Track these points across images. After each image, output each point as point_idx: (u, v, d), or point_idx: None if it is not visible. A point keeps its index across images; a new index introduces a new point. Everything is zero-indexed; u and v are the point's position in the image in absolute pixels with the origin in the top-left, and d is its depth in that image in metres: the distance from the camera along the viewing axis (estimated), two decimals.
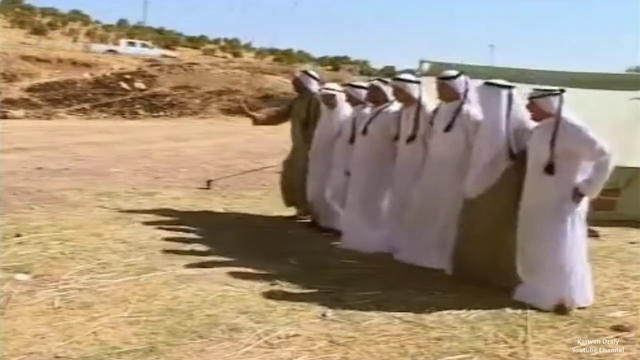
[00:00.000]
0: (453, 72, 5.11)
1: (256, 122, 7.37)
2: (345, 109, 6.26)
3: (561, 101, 4.24)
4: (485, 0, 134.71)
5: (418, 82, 5.58)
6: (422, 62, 7.75)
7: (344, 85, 6.57)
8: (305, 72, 7.14)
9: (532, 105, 4.33)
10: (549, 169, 4.18)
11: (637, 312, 4.19)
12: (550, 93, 4.28)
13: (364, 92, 6.07)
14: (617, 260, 5.57)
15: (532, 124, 4.44)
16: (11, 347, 3.35)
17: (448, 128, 4.97)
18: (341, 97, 6.29)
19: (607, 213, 6.66)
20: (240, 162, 11.79)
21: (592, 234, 5.96)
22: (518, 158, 4.47)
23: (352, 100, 6.15)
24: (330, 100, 6.31)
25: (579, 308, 4.19)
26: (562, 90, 4.30)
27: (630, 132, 7.10)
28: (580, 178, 4.18)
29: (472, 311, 4.07)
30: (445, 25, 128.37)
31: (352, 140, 5.94)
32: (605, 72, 8.76)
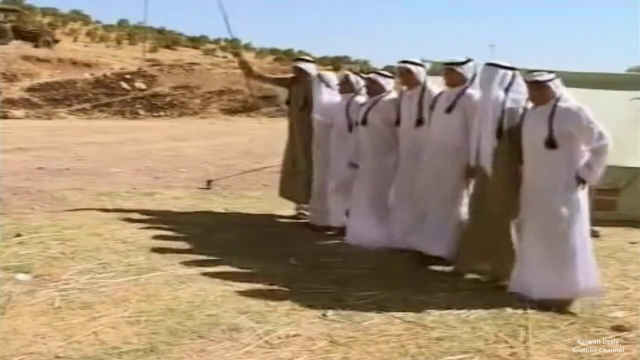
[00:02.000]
0: (462, 58, 5.12)
1: (251, 76, 7.33)
2: (331, 97, 6.27)
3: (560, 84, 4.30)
4: (485, 0, 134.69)
5: (424, 66, 5.61)
6: (422, 61, 7.75)
7: (351, 71, 6.61)
8: (302, 59, 7.14)
9: (545, 88, 4.28)
10: (550, 143, 4.18)
11: (638, 312, 4.19)
12: (555, 76, 4.31)
13: (362, 83, 6.10)
14: (618, 260, 5.57)
15: (526, 105, 4.45)
16: (12, 347, 3.35)
17: (449, 109, 4.98)
18: (320, 86, 6.33)
19: (607, 213, 6.66)
20: (240, 162, 11.79)
21: (593, 234, 5.97)
22: (505, 137, 4.47)
23: (347, 87, 6.16)
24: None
25: (582, 308, 4.20)
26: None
27: (630, 132, 7.10)
28: (579, 159, 4.18)
29: (473, 311, 4.07)
30: (445, 25, 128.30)
31: (350, 129, 5.94)
32: (605, 72, 8.76)
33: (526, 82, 4.42)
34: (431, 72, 6.47)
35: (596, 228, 6.12)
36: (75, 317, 3.78)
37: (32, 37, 35.09)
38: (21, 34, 34.79)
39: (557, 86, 4.29)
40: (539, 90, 4.33)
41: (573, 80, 6.81)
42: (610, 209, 6.85)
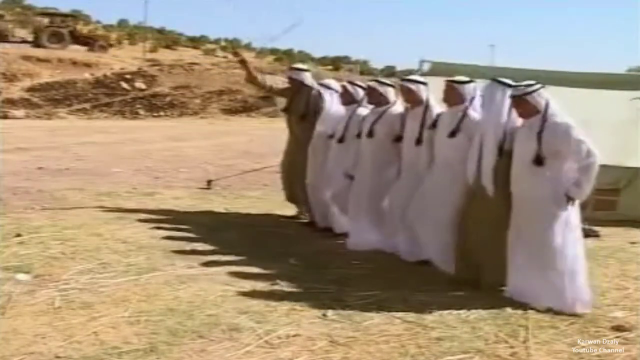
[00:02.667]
0: (464, 78, 5.10)
1: (252, 79, 7.27)
2: (338, 107, 6.27)
3: (546, 95, 4.25)
4: (485, 0, 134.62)
5: (426, 84, 5.55)
6: (422, 62, 7.76)
7: (347, 82, 6.59)
8: (297, 68, 7.12)
9: (524, 102, 4.28)
10: (538, 160, 4.17)
11: (638, 312, 4.19)
12: (538, 87, 4.27)
13: (361, 92, 6.08)
14: (618, 260, 5.56)
15: (519, 122, 4.44)
16: (12, 346, 3.35)
17: (453, 134, 4.94)
18: (332, 95, 6.34)
19: (607, 213, 6.67)
20: (240, 162, 11.80)
21: (593, 234, 5.97)
22: (505, 156, 4.47)
23: (347, 98, 6.15)
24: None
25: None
26: (543, 85, 4.31)
27: (630, 132, 7.11)
28: (567, 175, 4.17)
29: (473, 311, 4.07)
30: (445, 25, 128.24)
31: (341, 140, 5.94)
32: (605, 72, 8.76)
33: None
34: (431, 73, 6.48)
35: (596, 228, 6.13)
36: (76, 317, 3.78)
37: (87, 41, 36.30)
38: (77, 39, 36.02)
39: (537, 101, 4.24)
40: (519, 103, 4.32)
41: (573, 80, 6.86)
42: (610, 209, 6.85)
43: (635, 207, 6.97)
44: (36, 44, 34.37)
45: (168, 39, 54.50)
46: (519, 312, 4.09)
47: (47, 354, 3.29)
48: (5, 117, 22.37)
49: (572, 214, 4.23)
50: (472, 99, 4.97)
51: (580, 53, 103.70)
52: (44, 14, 38.08)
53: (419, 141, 5.28)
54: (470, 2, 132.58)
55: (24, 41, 35.09)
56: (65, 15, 37.79)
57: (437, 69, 6.59)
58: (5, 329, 3.56)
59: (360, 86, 6.22)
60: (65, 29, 35.84)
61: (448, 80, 5.13)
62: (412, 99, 5.47)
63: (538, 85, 4.29)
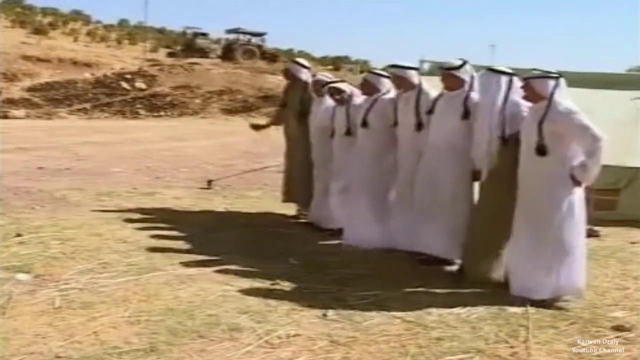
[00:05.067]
0: (458, 62, 5.11)
1: (273, 124, 7.33)
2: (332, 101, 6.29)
3: (557, 85, 4.25)
4: (485, 0, 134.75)
5: (416, 69, 5.60)
6: (422, 62, 7.76)
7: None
8: (295, 62, 7.14)
9: (527, 85, 4.33)
10: (541, 150, 4.18)
11: (638, 312, 4.18)
12: (548, 76, 4.28)
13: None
14: (618, 260, 5.56)
15: (527, 108, 4.45)
16: (12, 346, 3.35)
17: (466, 116, 4.92)
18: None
19: (607, 213, 6.67)
20: (240, 162, 11.80)
21: (593, 234, 5.97)
22: (509, 141, 4.47)
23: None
24: (317, 89, 6.39)
25: (582, 308, 4.20)
26: (560, 75, 4.30)
27: (630, 132, 7.11)
28: (572, 161, 4.17)
29: (473, 311, 4.07)
30: (445, 25, 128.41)
31: (348, 132, 5.94)
32: (605, 72, 8.76)
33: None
34: (431, 73, 6.47)
35: (596, 228, 6.13)
36: (76, 317, 3.79)
37: (272, 57, 38.61)
38: (264, 55, 38.59)
39: (542, 88, 4.24)
40: (524, 87, 4.37)
41: (573, 80, 6.83)
42: (610, 209, 6.85)
43: (635, 207, 6.97)
44: (227, 58, 36.43)
45: (168, 39, 54.47)
46: (519, 312, 4.09)
47: (47, 353, 3.29)
48: (6, 117, 22.39)
49: (576, 201, 4.22)
50: (472, 79, 5.00)
51: (580, 53, 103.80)
52: (234, 31, 39.92)
53: (419, 126, 5.27)
54: (471, 2, 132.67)
55: (218, 57, 37.60)
56: (254, 34, 40.10)
57: (436, 69, 6.58)
58: (5, 329, 3.56)
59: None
60: (255, 47, 38.58)
61: (444, 68, 5.13)
62: (403, 84, 5.48)
63: (552, 75, 4.29)
